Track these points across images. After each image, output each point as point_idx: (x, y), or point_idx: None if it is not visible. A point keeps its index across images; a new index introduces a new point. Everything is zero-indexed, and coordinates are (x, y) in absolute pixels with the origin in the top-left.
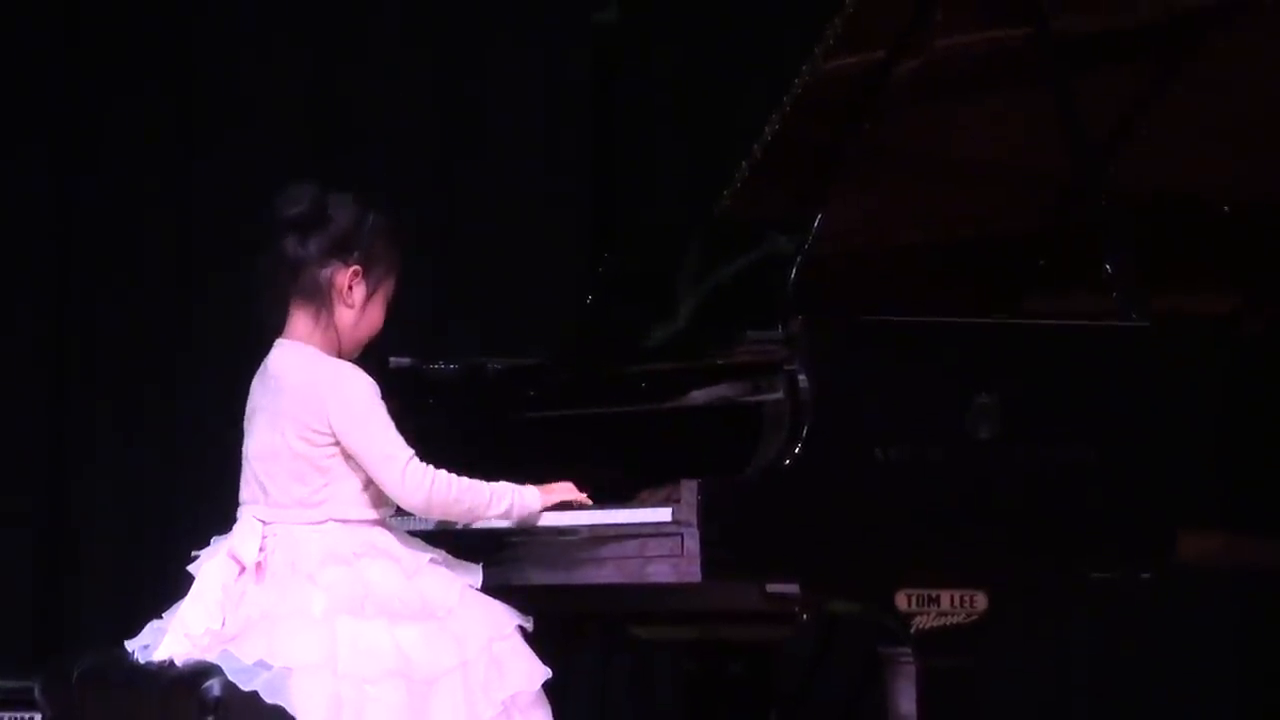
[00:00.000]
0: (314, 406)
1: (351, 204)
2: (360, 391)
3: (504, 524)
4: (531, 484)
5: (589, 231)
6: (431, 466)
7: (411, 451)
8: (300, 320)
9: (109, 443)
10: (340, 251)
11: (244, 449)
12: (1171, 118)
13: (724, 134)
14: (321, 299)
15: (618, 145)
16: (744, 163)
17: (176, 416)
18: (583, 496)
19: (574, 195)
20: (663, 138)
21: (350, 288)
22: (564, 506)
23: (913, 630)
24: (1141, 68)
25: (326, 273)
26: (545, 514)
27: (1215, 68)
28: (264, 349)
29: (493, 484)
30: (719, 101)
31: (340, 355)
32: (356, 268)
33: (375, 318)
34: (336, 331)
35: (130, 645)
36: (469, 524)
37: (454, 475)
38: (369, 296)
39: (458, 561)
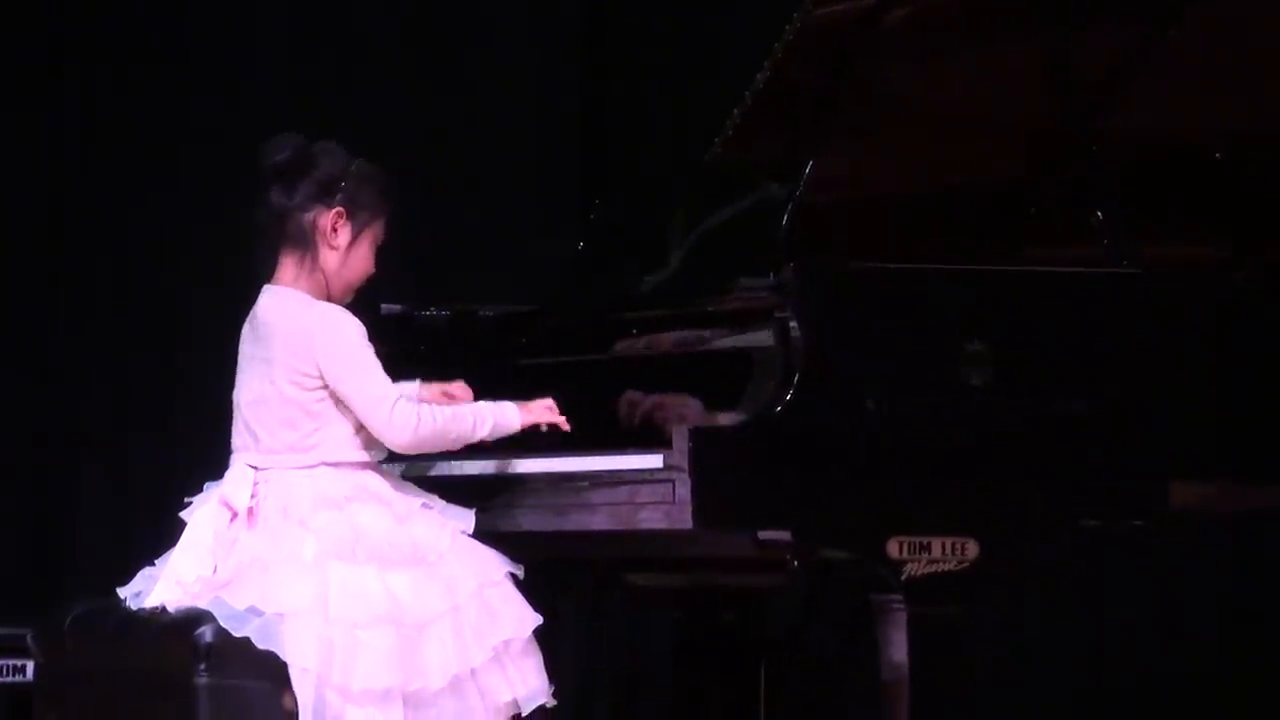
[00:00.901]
0: (303, 350)
1: (335, 150)
2: (347, 333)
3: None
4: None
5: (580, 178)
6: (416, 403)
7: (399, 392)
8: (288, 266)
9: (102, 390)
10: (323, 195)
11: (234, 396)
12: (1166, 66)
13: (716, 81)
14: (307, 243)
15: (609, 91)
16: (735, 109)
17: (172, 364)
18: (560, 418)
19: (565, 142)
20: (655, 83)
21: (334, 229)
22: (552, 445)
23: (904, 578)
24: (1136, 16)
25: (310, 216)
26: (535, 459)
27: (1211, 17)
28: (255, 296)
29: (473, 406)
30: (711, 49)
31: (330, 300)
32: (339, 209)
33: (363, 261)
34: (323, 275)
35: (123, 592)
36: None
37: (436, 407)
38: (354, 239)
39: (449, 507)
